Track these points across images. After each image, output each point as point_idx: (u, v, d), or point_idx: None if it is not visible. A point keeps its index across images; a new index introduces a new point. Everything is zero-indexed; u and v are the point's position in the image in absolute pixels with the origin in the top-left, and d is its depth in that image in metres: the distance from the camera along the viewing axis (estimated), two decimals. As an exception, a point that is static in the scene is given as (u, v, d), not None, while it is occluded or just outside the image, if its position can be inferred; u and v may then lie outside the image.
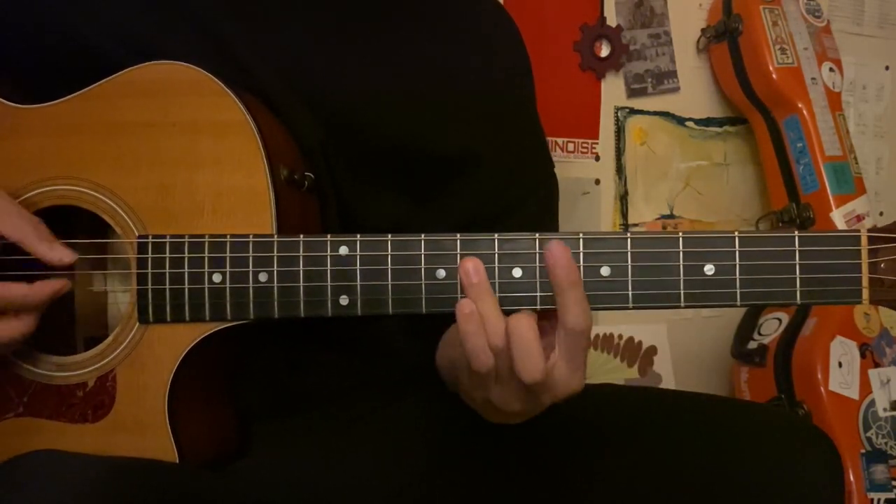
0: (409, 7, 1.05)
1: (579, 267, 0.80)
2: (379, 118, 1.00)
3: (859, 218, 1.81)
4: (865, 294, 0.78)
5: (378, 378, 1.06)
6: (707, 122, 1.96)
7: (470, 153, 1.05)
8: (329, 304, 0.83)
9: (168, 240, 0.85)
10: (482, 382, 0.79)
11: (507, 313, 0.81)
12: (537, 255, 0.80)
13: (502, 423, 0.87)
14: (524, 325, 0.75)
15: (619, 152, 1.88)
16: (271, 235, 0.84)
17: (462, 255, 0.81)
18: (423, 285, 0.82)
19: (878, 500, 1.66)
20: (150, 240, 0.86)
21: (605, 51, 1.84)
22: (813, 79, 1.83)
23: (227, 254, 0.84)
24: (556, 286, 0.77)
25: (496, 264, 0.80)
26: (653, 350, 1.88)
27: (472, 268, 0.77)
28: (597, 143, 1.86)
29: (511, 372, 0.76)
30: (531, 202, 1.11)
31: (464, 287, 0.77)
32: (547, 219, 1.15)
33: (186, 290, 0.85)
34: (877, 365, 1.75)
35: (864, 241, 0.78)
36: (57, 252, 0.85)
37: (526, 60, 1.14)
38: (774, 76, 1.80)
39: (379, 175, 1.01)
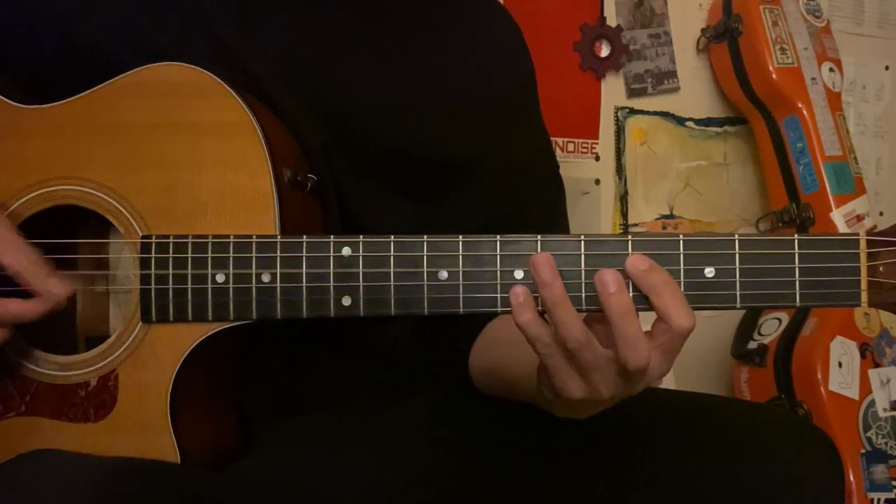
0: (412, 10, 1.05)
1: (580, 270, 0.80)
2: (381, 121, 1.00)
3: (859, 218, 1.81)
4: (864, 297, 0.79)
5: (379, 379, 1.06)
6: (707, 122, 1.96)
7: (473, 157, 1.05)
8: (332, 305, 0.83)
9: (171, 240, 0.85)
10: (557, 372, 0.79)
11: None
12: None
13: (571, 416, 0.88)
14: (628, 315, 0.76)
15: (619, 152, 1.88)
16: (274, 236, 0.84)
17: (464, 256, 0.82)
18: (426, 286, 0.82)
19: (878, 500, 1.66)
20: (153, 240, 0.86)
21: (605, 51, 1.85)
22: (813, 79, 1.83)
23: (231, 254, 0.84)
24: (650, 290, 0.78)
25: (498, 266, 0.81)
26: (653, 350, 1.88)
27: (542, 260, 0.78)
28: (597, 143, 1.86)
29: (604, 361, 0.77)
30: (538, 205, 1.12)
31: (537, 286, 0.77)
32: (559, 221, 1.15)
33: (189, 290, 0.85)
34: (877, 365, 1.75)
35: (863, 244, 0.79)
36: (50, 284, 0.84)
37: (528, 62, 1.13)
38: (774, 76, 1.81)
39: (382, 178, 1.02)
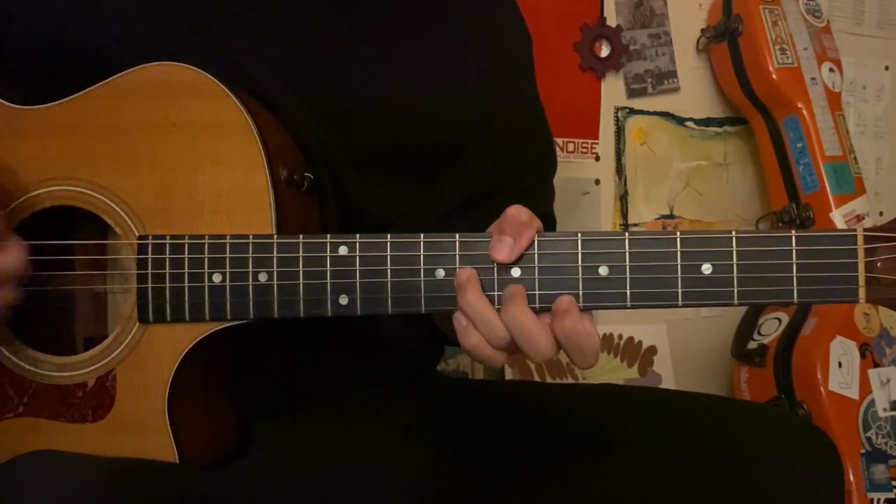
0: (406, 3, 1.05)
1: (578, 267, 0.80)
2: (380, 116, 1.00)
3: (859, 218, 1.81)
4: (862, 293, 0.78)
5: (378, 378, 1.06)
6: (707, 122, 1.96)
7: (471, 138, 1.05)
8: (328, 304, 0.83)
9: (168, 240, 0.85)
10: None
11: None
12: (536, 255, 0.81)
13: None
14: (520, 314, 0.78)
15: (619, 152, 1.88)
16: (271, 236, 0.84)
17: (461, 255, 0.82)
18: (423, 285, 0.82)
19: (878, 500, 1.66)
20: (150, 240, 0.86)
21: (605, 51, 1.85)
22: (813, 79, 1.83)
23: (227, 254, 0.84)
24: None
25: (494, 265, 0.81)
26: (653, 350, 1.88)
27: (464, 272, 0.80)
28: (597, 143, 1.86)
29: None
30: (526, 178, 1.12)
31: (456, 288, 0.80)
32: (540, 193, 1.15)
33: (186, 289, 0.85)
34: (877, 365, 1.75)
35: (860, 240, 0.78)
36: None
37: (525, 36, 1.12)
38: (774, 76, 1.81)
39: (381, 171, 1.01)
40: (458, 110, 1.03)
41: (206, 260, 0.84)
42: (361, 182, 1.00)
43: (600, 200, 1.87)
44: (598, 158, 1.86)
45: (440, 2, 1.06)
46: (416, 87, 1.01)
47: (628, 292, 0.80)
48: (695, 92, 1.95)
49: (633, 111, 1.89)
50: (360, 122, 0.99)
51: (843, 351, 1.71)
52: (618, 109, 1.88)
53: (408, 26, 1.03)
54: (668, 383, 1.88)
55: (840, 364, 1.70)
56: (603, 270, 0.80)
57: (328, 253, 0.83)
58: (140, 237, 0.86)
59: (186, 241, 0.85)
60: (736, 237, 0.79)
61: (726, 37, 1.87)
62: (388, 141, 1.00)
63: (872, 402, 1.71)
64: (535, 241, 0.81)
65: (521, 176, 1.11)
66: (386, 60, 1.01)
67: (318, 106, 0.96)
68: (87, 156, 0.88)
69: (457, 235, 0.82)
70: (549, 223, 1.17)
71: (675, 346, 1.88)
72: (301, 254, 0.83)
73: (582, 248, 0.80)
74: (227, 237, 0.84)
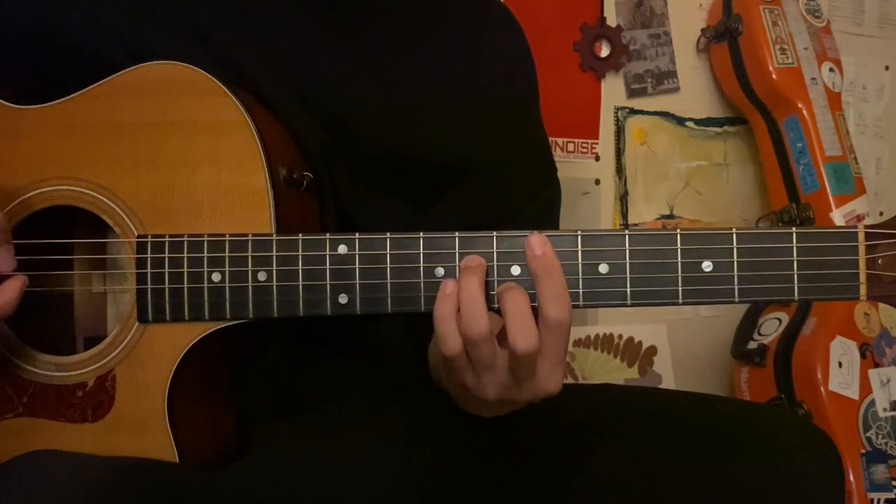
0: (412, 12, 1.05)
1: (578, 265, 0.80)
2: (379, 124, 1.00)
3: (859, 218, 1.81)
4: (863, 290, 0.79)
5: (378, 378, 1.06)
6: (707, 122, 1.96)
7: (470, 160, 1.05)
8: (328, 303, 0.83)
9: (167, 239, 0.85)
10: (456, 367, 0.80)
11: None
12: (536, 253, 0.81)
13: (475, 413, 0.89)
14: (518, 295, 0.77)
15: (619, 152, 1.88)
16: (270, 234, 0.84)
17: (460, 254, 0.81)
18: (422, 284, 0.82)
19: (878, 500, 1.66)
20: (149, 240, 0.86)
21: (605, 51, 1.84)
22: (813, 79, 1.83)
23: (226, 253, 0.84)
24: (533, 275, 0.78)
25: (495, 262, 0.81)
26: (653, 350, 1.88)
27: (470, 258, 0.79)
28: (597, 143, 1.86)
29: (490, 359, 0.77)
30: (531, 208, 1.12)
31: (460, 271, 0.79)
32: (547, 224, 1.15)
33: (185, 289, 0.85)
34: (877, 365, 1.75)
35: (861, 237, 0.78)
36: None
37: (532, 71, 1.13)
38: (774, 76, 1.80)
39: (379, 179, 1.02)
40: (457, 129, 1.03)
41: (205, 259, 0.84)
42: (359, 189, 1.00)
43: (600, 200, 1.87)
44: (598, 158, 1.86)
45: (448, 20, 1.07)
46: (415, 99, 1.01)
47: (628, 290, 0.80)
48: (695, 92, 1.95)
49: (633, 111, 1.89)
50: (357, 128, 0.99)
51: (843, 351, 1.71)
52: (618, 109, 1.88)
53: (408, 39, 1.04)
54: (668, 383, 1.88)
55: (840, 364, 1.69)
56: (603, 268, 0.80)
57: (327, 251, 0.83)
58: (139, 236, 0.86)
59: (185, 239, 0.85)
60: (736, 234, 0.79)
61: (726, 37, 1.87)
62: (385, 150, 1.00)
63: (872, 402, 1.71)
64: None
65: (524, 205, 1.11)
66: (387, 70, 1.01)
67: (317, 108, 0.96)
68: (86, 155, 0.88)
69: (456, 233, 0.82)
70: None
71: (675, 346, 1.88)
72: (300, 252, 0.83)
73: (582, 246, 0.80)
74: (227, 236, 0.84)
